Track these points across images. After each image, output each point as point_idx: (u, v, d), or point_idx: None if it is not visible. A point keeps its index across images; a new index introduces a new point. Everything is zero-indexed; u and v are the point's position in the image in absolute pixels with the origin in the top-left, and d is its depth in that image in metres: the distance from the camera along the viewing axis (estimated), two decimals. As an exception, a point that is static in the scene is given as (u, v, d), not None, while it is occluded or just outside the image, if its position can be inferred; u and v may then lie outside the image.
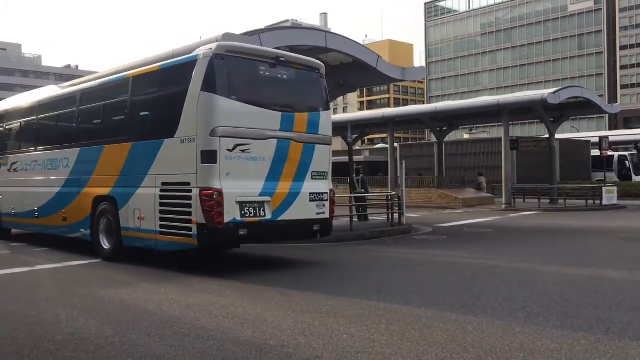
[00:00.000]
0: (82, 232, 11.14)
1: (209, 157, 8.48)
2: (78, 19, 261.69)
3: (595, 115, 65.92)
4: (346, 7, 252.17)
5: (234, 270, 9.36)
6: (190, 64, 8.97)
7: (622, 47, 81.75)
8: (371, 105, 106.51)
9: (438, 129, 32.71)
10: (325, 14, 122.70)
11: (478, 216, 21.32)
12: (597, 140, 30.96)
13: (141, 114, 10.46)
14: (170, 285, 7.90)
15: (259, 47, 10.22)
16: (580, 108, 28.66)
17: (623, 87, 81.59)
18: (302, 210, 9.48)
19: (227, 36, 12.82)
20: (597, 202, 25.14)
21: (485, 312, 6.03)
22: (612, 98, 77.42)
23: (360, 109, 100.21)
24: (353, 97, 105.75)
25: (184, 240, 8.77)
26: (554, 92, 24.25)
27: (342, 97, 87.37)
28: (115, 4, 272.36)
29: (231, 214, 8.51)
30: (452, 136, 41.28)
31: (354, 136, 32.05)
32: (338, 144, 50.10)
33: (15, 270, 9.39)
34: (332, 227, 10.42)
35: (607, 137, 30.70)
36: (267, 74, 9.43)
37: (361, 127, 34.38)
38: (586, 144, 38.37)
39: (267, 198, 9.01)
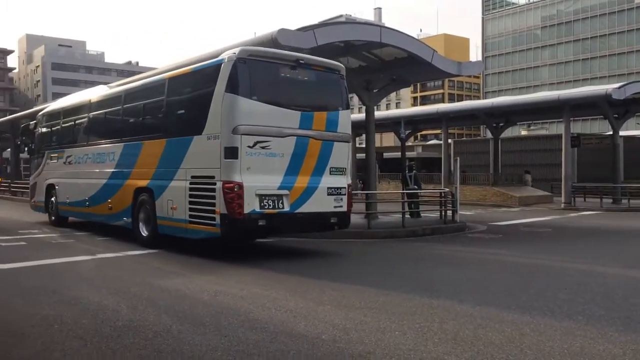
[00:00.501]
0: (125, 220, 12.00)
1: (231, 153, 9.16)
2: (139, 16, 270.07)
3: (663, 112, 62.69)
4: (400, 1, 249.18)
5: (284, 264, 9.45)
6: (217, 67, 9.67)
7: (694, 40, 77.34)
8: (425, 100, 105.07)
9: (494, 125, 31.93)
10: (379, 8, 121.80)
11: (535, 215, 20.70)
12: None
13: (175, 112, 11.20)
14: (224, 276, 8.05)
15: (280, 51, 10.65)
16: (647, 104, 27.33)
17: (694, 81, 77.20)
18: (319, 203, 10.03)
19: (282, 32, 12.95)
20: (664, 202, 23.95)
21: (543, 314, 5.84)
22: (682, 93, 73.31)
23: (414, 105, 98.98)
24: (406, 93, 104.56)
25: (209, 229, 9.51)
26: (619, 87, 23.22)
27: (394, 92, 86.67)
28: (175, 2, 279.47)
29: (251, 205, 9.17)
30: (509, 132, 40.26)
31: (407, 132, 31.83)
32: (390, 139, 49.82)
33: (79, 258, 9.83)
34: (349, 219, 10.93)
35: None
36: (287, 75, 10.04)
37: (414, 123, 34.01)
38: (653, 142, 36.61)
39: (286, 191, 9.62)
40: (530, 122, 53.63)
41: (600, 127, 56.55)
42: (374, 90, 17.63)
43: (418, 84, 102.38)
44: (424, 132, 77.22)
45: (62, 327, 5.32)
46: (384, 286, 7.33)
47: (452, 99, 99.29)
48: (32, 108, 25.34)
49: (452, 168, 27.27)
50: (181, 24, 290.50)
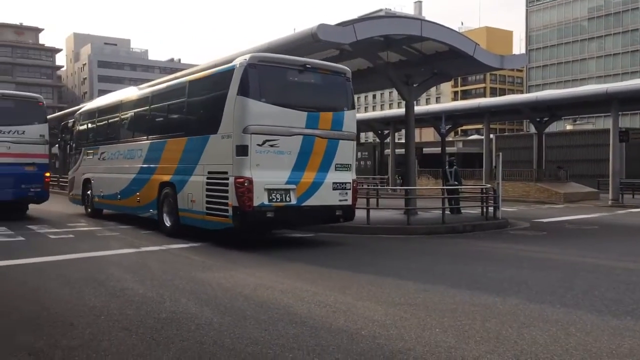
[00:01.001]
0: (151, 212, 13.02)
1: (242, 150, 10.00)
2: (182, 14, 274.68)
3: None
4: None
5: (323, 260, 9.46)
6: (230, 72, 10.49)
7: None
8: (465, 95, 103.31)
9: (538, 119, 31.13)
10: (420, 2, 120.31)
11: (581, 212, 20.13)
12: None
13: (194, 112, 12.07)
14: (264, 271, 8.13)
15: (288, 57, 11.31)
16: (702, 97, 26.12)
17: None
18: (325, 197, 10.81)
19: (322, 27, 12.95)
20: None
21: (590, 313, 5.68)
22: None
23: (454, 99, 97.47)
24: (446, 87, 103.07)
25: (223, 220, 10.38)
26: (672, 80, 22.24)
27: (434, 87, 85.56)
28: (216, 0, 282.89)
29: (260, 199, 9.99)
30: (553, 127, 39.20)
31: (448, 127, 31.37)
32: (430, 135, 49.24)
33: (124, 250, 10.10)
34: (354, 212, 11.60)
35: None
36: (295, 79, 10.80)
37: (455, 118, 33.49)
38: None
39: (293, 186, 10.41)
40: (576, 116, 52.07)
41: (651, 121, 54.45)
42: (414, 85, 17.45)
43: (459, 79, 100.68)
44: (464, 127, 75.97)
45: (108, 318, 5.47)
46: (424, 283, 7.26)
47: (494, 93, 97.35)
48: (79, 105, 26.40)
49: (494, 163, 26.77)
50: (222, 21, 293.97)
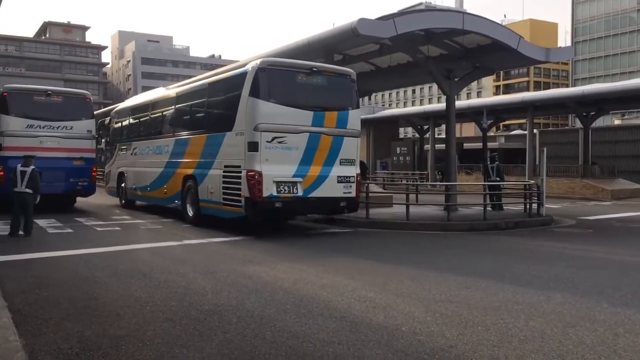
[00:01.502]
0: (176, 202, 14.01)
1: (253, 146, 10.92)
2: (223, 10, 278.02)
3: None
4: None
5: (363, 255, 9.45)
6: (243, 75, 11.46)
7: None
8: (508, 89, 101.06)
9: (584, 114, 30.23)
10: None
11: (630, 209, 19.46)
12: None
13: (213, 112, 13.11)
14: (304, 265, 8.18)
15: (295, 61, 12.29)
16: None
17: None
18: (330, 189, 11.60)
19: (362, 21, 12.89)
20: None
21: (639, 314, 5.49)
22: None
23: (496, 94, 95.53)
24: (488, 81, 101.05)
25: (237, 209, 11.35)
26: None
27: (475, 81, 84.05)
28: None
29: (269, 190, 10.89)
30: (600, 122, 37.98)
31: (489, 122, 30.80)
32: (471, 130, 48.43)
33: (167, 243, 10.32)
34: (358, 204, 12.44)
35: None
36: (302, 81, 11.62)
37: (497, 113, 32.86)
38: None
39: (299, 179, 11.25)
40: (625, 110, 50.29)
41: None
42: (455, 79, 17.20)
43: (501, 72, 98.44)
44: (506, 122, 74.39)
45: (153, 309, 5.61)
46: (465, 280, 7.17)
47: (537, 87, 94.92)
48: (123, 101, 27.29)
49: (537, 159, 26.13)
50: (262, 16, 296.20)
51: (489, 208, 14.83)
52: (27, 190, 11.20)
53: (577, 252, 10.27)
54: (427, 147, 37.57)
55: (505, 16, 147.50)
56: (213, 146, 12.33)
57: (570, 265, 8.53)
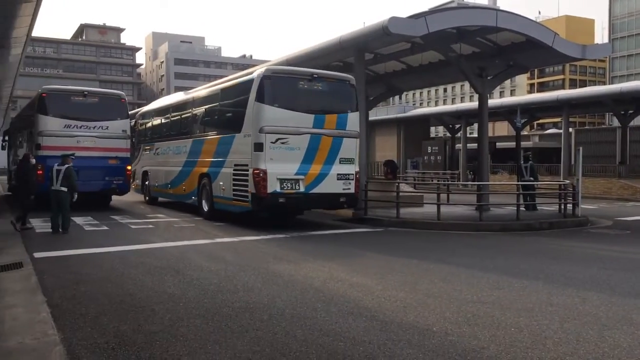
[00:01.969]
0: (193, 199, 15.03)
1: (258, 147, 11.87)
2: (254, 10, 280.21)
3: None
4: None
5: (393, 254, 9.41)
6: (250, 81, 12.47)
7: None
8: (542, 87, 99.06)
9: (622, 112, 29.46)
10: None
11: (669, 211, 18.86)
12: None
13: (225, 115, 13.99)
14: (334, 264, 8.19)
15: (297, 68, 13.32)
16: None
17: None
18: (330, 186, 12.47)
19: (393, 20, 12.83)
20: None
21: (679, 319, 5.34)
22: None
23: (530, 92, 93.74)
24: (522, 80, 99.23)
25: (244, 204, 12.34)
26: None
27: (509, 79, 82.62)
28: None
29: (273, 186, 11.84)
30: (639, 121, 36.87)
31: (523, 121, 30.26)
32: (504, 129, 47.67)
33: (199, 241, 10.47)
34: (357, 200, 13.25)
35: None
36: (303, 87, 12.53)
37: (531, 111, 32.29)
38: None
39: (302, 176, 12.18)
40: (665, 108, 48.76)
41: None
42: (488, 78, 16.97)
43: (535, 70, 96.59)
44: (541, 121, 72.97)
45: (186, 305, 5.71)
46: (498, 281, 7.07)
47: (573, 85, 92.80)
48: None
49: (573, 159, 25.56)
50: (293, 16, 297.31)
51: (522, 208, 14.58)
52: (62, 188, 11.51)
53: (613, 253, 10.02)
54: (459, 146, 37.13)
55: (539, 13, 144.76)
56: (225, 146, 13.35)
57: (607, 266, 8.33)
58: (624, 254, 9.95)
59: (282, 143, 12.03)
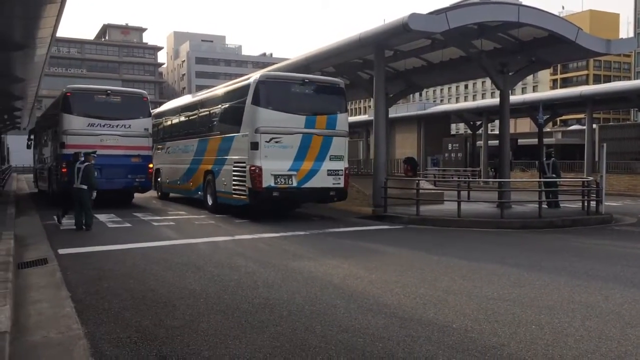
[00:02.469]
0: (199, 194, 16.20)
1: (254, 145, 13.03)
2: (274, 9, 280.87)
3: None
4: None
5: (412, 251, 9.39)
6: (247, 86, 13.67)
7: None
8: (565, 83, 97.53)
9: (648, 107, 28.85)
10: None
11: (697, 208, 18.45)
12: None
13: (226, 116, 15.10)
14: (353, 261, 8.20)
15: (290, 74, 14.72)
16: None
17: None
18: (321, 181, 13.55)
19: (413, 16, 12.77)
20: None
21: None
22: None
23: (553, 88, 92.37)
24: (544, 75, 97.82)
25: (243, 198, 13.44)
26: None
27: (531, 75, 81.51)
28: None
29: (267, 182, 12.95)
30: (666, 116, 36.10)
31: (545, 117, 29.84)
32: (526, 125, 47.09)
33: (220, 238, 10.56)
34: (346, 194, 14.27)
35: None
36: (295, 90, 13.69)
37: (553, 108, 31.82)
38: None
39: (294, 172, 13.27)
40: (693, 104, 47.64)
41: None
42: (510, 74, 16.77)
43: (558, 66, 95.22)
44: (564, 117, 71.88)
45: (207, 301, 5.77)
46: (519, 278, 7.01)
47: (597, 80, 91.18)
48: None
49: (597, 155, 25.16)
50: (313, 14, 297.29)
51: (544, 205, 14.40)
52: (82, 186, 11.69)
53: (638, 251, 9.85)
54: (480, 143, 36.78)
55: (563, 7, 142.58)
56: (226, 145, 14.53)
57: (631, 264, 8.19)
58: (649, 251, 9.77)
59: (276, 142, 13.12)
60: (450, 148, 37.82)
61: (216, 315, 5.26)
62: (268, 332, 4.75)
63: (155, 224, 12.81)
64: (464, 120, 39.37)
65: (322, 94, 14.20)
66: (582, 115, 45.46)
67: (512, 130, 33.13)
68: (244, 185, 13.22)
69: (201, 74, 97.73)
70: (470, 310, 5.46)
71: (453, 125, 51.90)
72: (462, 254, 9.16)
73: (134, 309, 5.48)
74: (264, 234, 11.22)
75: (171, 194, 20.12)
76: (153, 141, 20.08)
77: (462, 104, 49.26)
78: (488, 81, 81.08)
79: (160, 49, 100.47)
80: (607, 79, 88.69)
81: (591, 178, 16.53)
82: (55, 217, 12.61)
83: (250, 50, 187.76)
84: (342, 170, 13.87)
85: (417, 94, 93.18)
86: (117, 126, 16.54)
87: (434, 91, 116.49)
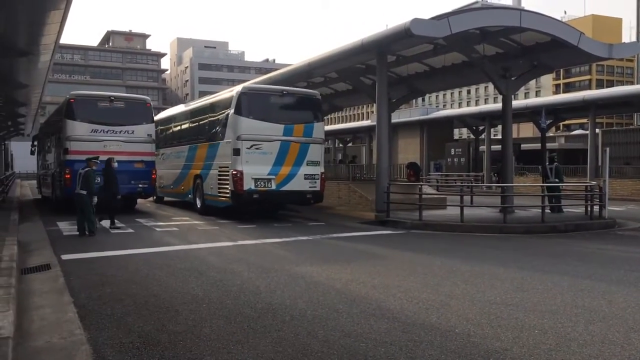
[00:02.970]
0: (189, 197, 17.34)
1: (236, 152, 14.22)
2: (277, 15, 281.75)
3: None
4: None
5: (415, 256, 9.38)
6: (230, 97, 14.92)
7: None
8: (568, 88, 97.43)
9: (651, 112, 28.81)
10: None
11: (701, 212, 18.38)
12: None
13: (213, 125, 16.17)
14: (355, 266, 8.19)
15: (269, 86, 16.20)
16: None
17: None
18: (298, 184, 14.66)
19: (415, 21, 12.80)
20: None
21: None
22: None
23: (555, 93, 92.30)
24: (547, 80, 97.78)
25: (226, 200, 14.61)
26: None
27: (534, 80, 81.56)
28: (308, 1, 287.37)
29: (248, 185, 14.10)
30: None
31: (548, 122, 29.83)
32: (528, 130, 47.08)
33: (222, 244, 10.57)
34: (322, 196, 15.36)
35: None
36: (275, 101, 14.93)
37: (556, 112, 31.82)
38: None
39: (273, 176, 14.41)
40: (696, 108, 47.51)
41: None
42: (512, 78, 16.78)
43: (561, 71, 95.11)
44: (567, 122, 71.80)
45: (209, 306, 5.77)
46: (522, 283, 6.99)
47: (600, 85, 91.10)
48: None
49: (600, 160, 25.12)
50: (316, 20, 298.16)
51: (547, 210, 14.38)
52: (82, 191, 11.73)
53: (642, 256, 9.81)
54: (483, 148, 36.76)
55: (565, 12, 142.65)
56: (212, 152, 15.68)
57: (634, 269, 8.16)
58: (653, 256, 9.74)
59: (257, 148, 14.28)
60: (453, 153, 37.82)
61: (219, 321, 5.26)
62: (270, 337, 4.74)
63: (158, 229, 12.83)
64: (467, 125, 39.38)
65: (300, 105, 15.46)
66: (585, 120, 45.45)
67: (515, 135, 33.13)
68: (228, 188, 14.32)
69: (204, 80, 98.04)
70: (473, 314, 5.44)
71: (456, 130, 51.90)
72: (464, 258, 9.14)
73: (136, 314, 5.48)
74: (267, 239, 11.22)
75: (165, 198, 20.83)
76: None
77: (465, 109, 49.28)
78: (491, 86, 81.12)
79: (163, 55, 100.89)
80: (610, 84, 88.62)
81: (594, 183, 16.50)
82: (101, 223, 12.97)
83: (253, 56, 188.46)
84: (318, 174, 15.02)
85: (419, 99, 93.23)
86: (120, 132, 16.58)
87: (437, 96, 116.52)
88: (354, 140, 49.61)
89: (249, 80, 24.26)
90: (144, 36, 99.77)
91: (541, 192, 15.69)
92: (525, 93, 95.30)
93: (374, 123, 17.30)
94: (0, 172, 32.45)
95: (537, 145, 31.54)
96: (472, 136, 41.36)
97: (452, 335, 4.77)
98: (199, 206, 16.46)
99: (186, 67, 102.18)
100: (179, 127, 19.71)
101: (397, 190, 16.03)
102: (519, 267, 8.26)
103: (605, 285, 6.91)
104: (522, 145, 37.14)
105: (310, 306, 5.77)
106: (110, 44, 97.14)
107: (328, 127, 54.84)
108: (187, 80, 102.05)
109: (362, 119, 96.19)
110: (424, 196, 15.16)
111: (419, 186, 16.24)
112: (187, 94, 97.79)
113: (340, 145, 49.07)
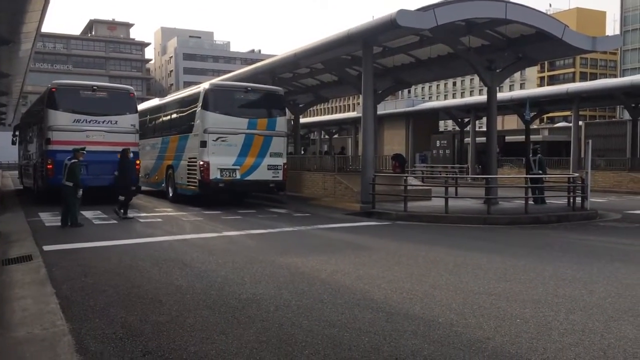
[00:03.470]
0: (163, 186, 18.43)
1: (203, 144, 15.32)
2: (263, 5, 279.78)
3: None
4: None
5: (400, 248, 9.42)
6: (198, 93, 16.03)
7: None
8: (553, 80, 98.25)
9: (633, 105, 29.18)
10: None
11: (680, 204, 18.68)
12: None
13: (183, 118, 17.26)
14: (341, 256, 8.21)
15: (235, 83, 17.88)
16: None
17: None
18: (261, 174, 15.78)
19: (401, 12, 12.79)
20: None
21: (687, 311, 5.30)
22: None
23: (540, 85, 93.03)
24: (532, 73, 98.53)
25: (194, 189, 15.76)
26: None
27: (519, 72, 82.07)
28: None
29: (214, 174, 15.21)
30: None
31: (532, 114, 30.06)
32: (513, 122, 47.37)
33: (207, 235, 10.53)
34: (285, 185, 16.53)
35: None
36: (240, 97, 16.09)
37: (540, 105, 32.08)
38: None
39: (238, 167, 15.54)
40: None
41: None
42: (497, 70, 16.86)
43: (546, 63, 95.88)
44: (550, 115, 72.48)
45: (193, 297, 5.76)
46: (505, 273, 7.06)
47: (584, 78, 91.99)
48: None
49: (583, 152, 25.41)
50: (302, 10, 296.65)
51: (530, 202, 14.52)
52: (67, 183, 11.58)
53: (622, 246, 9.97)
54: (468, 140, 36.98)
55: (550, 5, 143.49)
56: (182, 144, 16.72)
57: (615, 259, 8.29)
58: (633, 246, 9.89)
59: (222, 141, 15.29)
60: (438, 145, 37.99)
61: (203, 311, 5.24)
62: (255, 327, 4.74)
63: (142, 220, 12.74)
64: (452, 117, 39.54)
65: (264, 100, 16.41)
66: (568, 113, 45.87)
67: (499, 127, 33.35)
68: (195, 178, 15.47)
69: (189, 70, 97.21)
70: (456, 304, 5.49)
71: (441, 122, 52.08)
72: (448, 249, 9.22)
73: (119, 305, 5.44)
74: (252, 230, 11.21)
75: (142, 187, 20.54)
76: None
77: (450, 101, 49.45)
78: (476, 78, 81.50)
79: (147, 44, 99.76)
80: (594, 77, 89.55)
81: (577, 174, 16.69)
82: (114, 211, 13.24)
83: (239, 46, 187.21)
84: (281, 165, 16.12)
85: (405, 91, 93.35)
86: (103, 122, 16.38)
87: (423, 88, 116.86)
88: (339, 132, 49.60)
89: (234, 71, 24.16)
90: (128, 25, 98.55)
91: (525, 184, 15.83)
92: (510, 85, 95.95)
93: (360, 114, 17.32)
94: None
95: (522, 137, 31.81)
96: (457, 128, 41.57)
97: (435, 325, 4.81)
98: (170, 195, 17.42)
99: (170, 57, 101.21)
100: (153, 121, 20.65)
101: (383, 182, 16.07)
102: (502, 258, 8.34)
103: (587, 275, 7.01)
104: (506, 137, 37.37)
105: (294, 296, 5.78)
106: (93, 32, 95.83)
107: (314, 119, 54.83)
108: (171, 71, 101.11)
109: (348, 111, 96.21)
110: (409, 187, 15.23)
111: (404, 177, 16.30)
112: (171, 85, 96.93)
113: (326, 136, 49.04)
